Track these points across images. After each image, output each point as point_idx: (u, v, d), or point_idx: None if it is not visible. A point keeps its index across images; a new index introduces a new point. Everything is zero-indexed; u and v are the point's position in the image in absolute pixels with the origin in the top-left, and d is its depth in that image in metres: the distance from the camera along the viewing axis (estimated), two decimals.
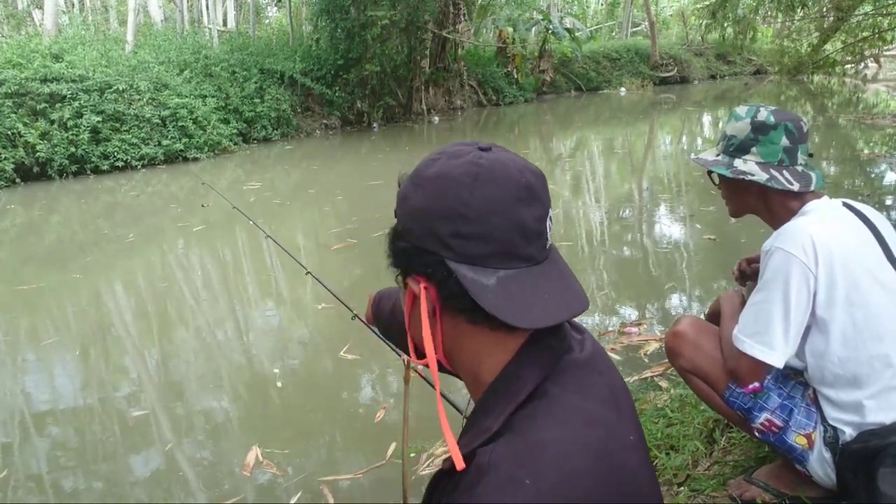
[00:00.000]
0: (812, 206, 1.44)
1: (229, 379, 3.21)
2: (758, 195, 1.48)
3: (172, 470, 2.46)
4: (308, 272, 2.76)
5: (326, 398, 2.98)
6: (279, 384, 3.06)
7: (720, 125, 12.54)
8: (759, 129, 1.43)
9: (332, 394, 3.01)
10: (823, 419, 1.41)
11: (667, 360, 1.67)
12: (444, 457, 0.73)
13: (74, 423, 2.90)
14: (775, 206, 1.47)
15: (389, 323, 1.30)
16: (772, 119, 1.44)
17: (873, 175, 6.70)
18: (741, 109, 1.49)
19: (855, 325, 1.33)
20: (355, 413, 2.83)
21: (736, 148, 1.45)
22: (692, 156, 1.51)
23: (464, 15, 14.96)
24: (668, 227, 5.49)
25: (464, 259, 0.68)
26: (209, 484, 2.36)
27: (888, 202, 5.49)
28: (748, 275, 1.71)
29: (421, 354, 0.75)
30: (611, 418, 0.72)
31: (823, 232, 1.34)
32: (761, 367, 1.41)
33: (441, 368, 0.78)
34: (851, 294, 1.33)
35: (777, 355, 1.36)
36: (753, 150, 1.44)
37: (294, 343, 3.61)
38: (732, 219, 1.58)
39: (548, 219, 0.72)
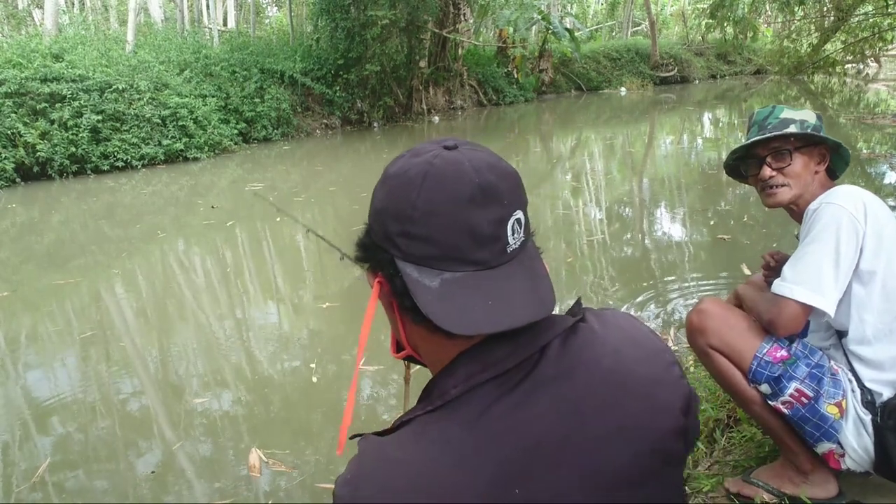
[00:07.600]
0: (841, 187, 1.53)
1: (264, 374, 3.23)
2: (815, 172, 1.60)
3: (175, 469, 2.47)
4: (343, 255, 2.74)
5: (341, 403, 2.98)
6: (314, 379, 3.08)
7: (719, 124, 12.58)
8: (820, 118, 1.61)
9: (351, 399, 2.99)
10: (860, 383, 1.45)
11: None
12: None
13: (108, 415, 2.91)
14: (816, 185, 1.59)
15: None
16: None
17: (874, 175, 6.70)
18: (781, 106, 1.65)
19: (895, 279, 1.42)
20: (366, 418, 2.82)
21: (813, 129, 1.58)
22: (770, 132, 1.58)
23: (464, 15, 14.98)
24: (678, 226, 5.49)
25: (411, 259, 0.67)
26: (214, 483, 2.37)
27: (889, 203, 5.48)
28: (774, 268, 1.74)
29: (399, 348, 0.76)
30: (513, 466, 0.64)
31: (869, 196, 1.46)
32: (805, 312, 1.44)
33: (417, 361, 0.79)
34: (892, 253, 1.42)
35: (828, 301, 1.40)
36: (821, 133, 1.59)
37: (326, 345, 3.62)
38: (767, 208, 1.68)
39: (511, 221, 0.68)
